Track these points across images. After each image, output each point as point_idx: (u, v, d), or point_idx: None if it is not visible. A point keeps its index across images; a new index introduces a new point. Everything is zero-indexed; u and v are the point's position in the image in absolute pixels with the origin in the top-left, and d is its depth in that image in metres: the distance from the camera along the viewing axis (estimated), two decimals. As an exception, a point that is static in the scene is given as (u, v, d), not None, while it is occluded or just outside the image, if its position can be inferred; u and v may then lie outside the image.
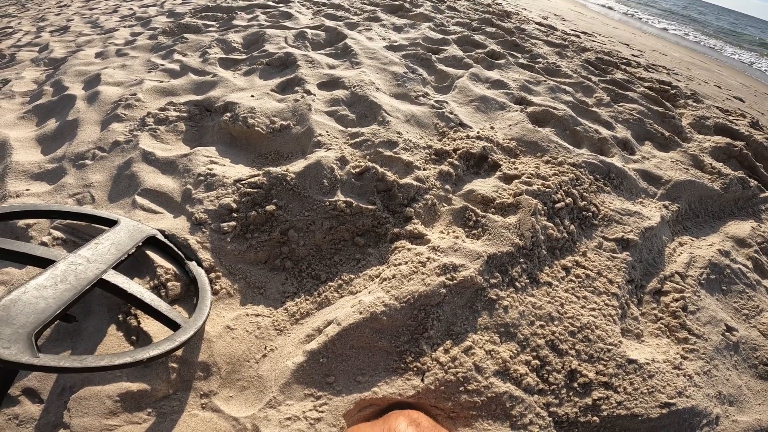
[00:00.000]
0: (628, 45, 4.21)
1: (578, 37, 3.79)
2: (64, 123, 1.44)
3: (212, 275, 0.88)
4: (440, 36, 2.33)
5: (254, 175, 1.05)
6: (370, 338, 0.77)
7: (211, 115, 1.40)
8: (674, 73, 3.32)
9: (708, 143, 1.81)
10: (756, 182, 1.68)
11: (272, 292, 0.92)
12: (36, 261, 0.72)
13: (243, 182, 1.03)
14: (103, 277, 0.70)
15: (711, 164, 1.61)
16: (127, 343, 0.76)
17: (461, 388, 0.75)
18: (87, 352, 0.74)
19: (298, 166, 1.07)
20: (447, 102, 1.48)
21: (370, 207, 1.00)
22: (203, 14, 2.91)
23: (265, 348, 0.79)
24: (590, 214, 1.15)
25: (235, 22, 2.56)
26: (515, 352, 0.83)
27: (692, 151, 1.68)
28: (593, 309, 0.97)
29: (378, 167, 1.06)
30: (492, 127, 1.40)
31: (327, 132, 1.21)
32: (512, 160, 1.25)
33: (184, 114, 1.40)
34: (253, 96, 1.45)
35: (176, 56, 2.00)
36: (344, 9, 2.83)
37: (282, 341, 0.80)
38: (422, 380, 0.75)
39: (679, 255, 1.24)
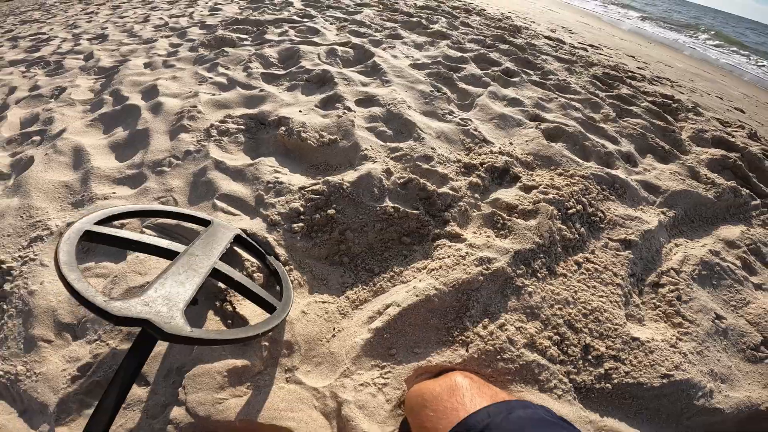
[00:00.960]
0: (633, 57, 4.45)
1: (585, 50, 4.03)
2: (135, 132, 1.65)
3: (286, 268, 1.09)
4: (458, 54, 2.57)
5: (315, 184, 1.27)
6: (424, 317, 0.97)
7: (266, 128, 1.62)
8: (678, 85, 3.54)
9: (705, 155, 2.03)
10: (748, 191, 1.89)
11: (333, 283, 1.12)
12: (162, 252, 0.88)
13: (307, 189, 1.25)
14: (215, 267, 0.87)
15: (706, 175, 1.83)
16: (224, 326, 0.95)
17: (498, 357, 0.94)
18: None
19: (351, 176, 1.28)
20: (470, 119, 1.71)
21: (414, 212, 1.22)
22: (234, 27, 3.15)
23: (334, 329, 0.99)
24: (598, 218, 1.37)
25: (266, 36, 2.79)
26: (539, 328, 1.03)
27: (690, 163, 1.90)
28: (602, 296, 1.18)
29: (419, 178, 1.28)
30: (511, 143, 1.63)
31: (371, 146, 1.43)
32: (530, 172, 1.47)
33: (242, 126, 1.62)
34: (300, 111, 1.67)
35: (221, 69, 2.23)
36: (366, 25, 3.07)
37: (347, 323, 1.00)
38: (467, 350, 0.94)
39: (675, 254, 1.45)
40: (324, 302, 1.06)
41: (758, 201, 1.88)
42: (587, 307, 1.12)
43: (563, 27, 5.48)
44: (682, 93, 3.22)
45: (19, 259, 1.11)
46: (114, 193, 1.37)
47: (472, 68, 2.34)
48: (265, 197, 1.26)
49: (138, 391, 0.84)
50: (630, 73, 3.32)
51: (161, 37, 3.18)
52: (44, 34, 4.02)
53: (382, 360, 0.92)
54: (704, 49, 9.78)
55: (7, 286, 1.04)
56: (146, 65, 2.49)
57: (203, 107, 1.75)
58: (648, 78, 3.35)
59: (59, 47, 3.30)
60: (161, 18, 4.02)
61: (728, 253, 1.56)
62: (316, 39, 2.62)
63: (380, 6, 4.11)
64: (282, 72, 2.11)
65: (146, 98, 1.97)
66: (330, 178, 1.28)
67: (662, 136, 2.09)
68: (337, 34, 2.78)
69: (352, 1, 4.26)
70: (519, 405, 0.65)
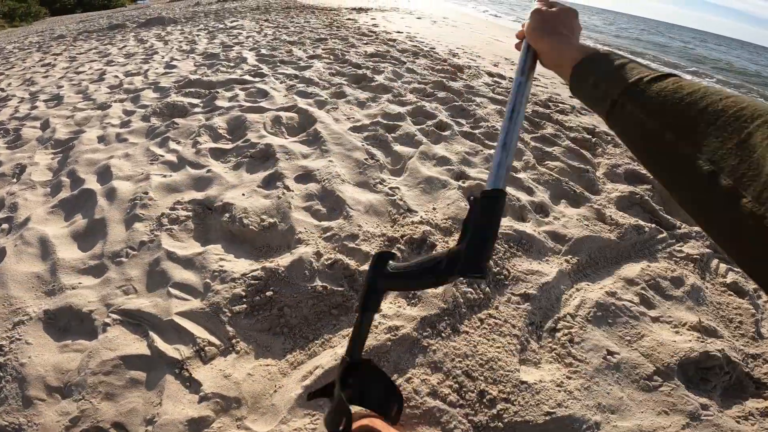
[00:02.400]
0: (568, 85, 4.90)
1: (524, 84, 4.44)
2: (93, 221, 1.84)
3: (233, 341, 1.31)
4: (397, 110, 2.87)
5: (255, 270, 1.49)
6: None
7: (213, 213, 1.84)
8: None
9: (615, 193, 2.35)
10: (655, 225, 2.20)
11: (276, 349, 1.34)
12: None
13: (247, 276, 1.47)
14: None
15: (611, 216, 2.13)
16: (184, 388, 1.19)
17: (405, 405, 1.16)
18: (157, 398, 1.16)
19: (286, 260, 1.52)
20: (399, 188, 1.98)
21: (339, 289, 1.46)
22: (187, 90, 3.38)
23: (275, 386, 1.21)
24: (502, 276, 1.63)
25: (217, 102, 3.04)
26: (441, 379, 1.25)
27: (599, 204, 2.20)
28: (498, 347, 1.40)
29: (344, 258, 1.52)
30: (434, 208, 1.90)
31: (305, 228, 1.67)
32: (446, 238, 1.73)
33: (190, 213, 1.83)
34: (243, 194, 1.91)
35: (171, 144, 2.44)
36: (314, 83, 3.37)
37: (286, 381, 1.23)
38: None
39: (573, 299, 1.70)
40: (268, 365, 1.28)
41: (665, 233, 2.16)
42: (484, 358, 1.34)
43: (506, 58, 5.96)
44: (608, 124, 3.62)
45: (7, 338, 1.35)
46: (80, 283, 1.56)
47: (407, 126, 2.64)
48: (212, 285, 1.47)
49: None
50: (560, 106, 3.72)
51: (115, 101, 3.38)
52: (2, 90, 4.14)
53: (312, 410, 1.15)
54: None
55: (1, 359, 1.28)
56: (100, 139, 2.68)
57: (154, 193, 1.95)
58: (577, 108, 3.75)
59: (17, 110, 3.45)
60: (116, 76, 4.22)
61: (627, 291, 1.79)
62: (264, 103, 2.88)
63: (331, 57, 4.44)
64: (229, 146, 2.35)
65: (101, 180, 2.16)
66: (267, 264, 1.51)
67: (577, 179, 2.42)
68: (285, 96, 3.05)
69: (305, 53, 4.59)
70: None
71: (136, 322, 1.37)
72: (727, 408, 1.39)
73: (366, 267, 1.54)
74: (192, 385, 1.19)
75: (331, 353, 1.28)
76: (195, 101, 3.09)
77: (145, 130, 2.71)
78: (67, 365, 1.25)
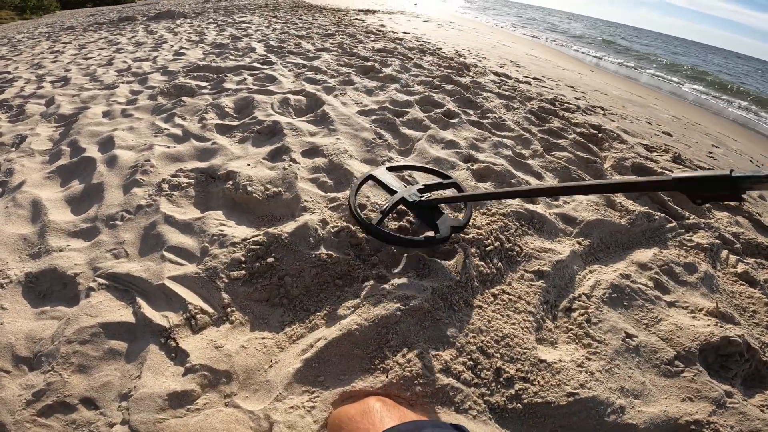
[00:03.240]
0: (572, 87, 4.88)
1: (529, 84, 4.40)
2: (90, 186, 1.76)
3: (228, 310, 1.22)
4: (405, 98, 2.81)
5: (256, 235, 1.40)
6: (348, 348, 1.10)
7: (215, 181, 1.76)
8: (610, 113, 3.91)
9: (623, 184, 2.28)
10: (664, 214, 2.13)
11: (274, 322, 1.24)
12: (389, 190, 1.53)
13: (248, 240, 1.38)
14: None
15: (621, 203, 2.06)
16: (169, 360, 1.07)
17: (415, 382, 1.06)
18: (136, 370, 1.05)
19: (289, 227, 1.43)
20: (407, 165, 1.91)
21: (345, 257, 1.37)
22: (195, 74, 3.31)
23: (271, 361, 1.11)
24: (515, 253, 1.55)
25: (225, 85, 2.97)
26: (454, 355, 1.15)
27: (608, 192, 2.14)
28: (514, 323, 1.31)
29: (351, 226, 1.44)
30: (443, 186, 1.82)
31: (311, 198, 1.59)
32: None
33: (192, 180, 1.75)
34: (249, 165, 1.82)
35: (177, 120, 2.36)
36: (322, 72, 3.30)
37: (283, 356, 1.12)
38: (387, 376, 1.06)
39: (587, 280, 1.63)
40: (264, 338, 1.19)
41: (674, 223, 2.11)
42: (499, 334, 1.25)
43: (512, 61, 5.94)
44: (613, 121, 3.57)
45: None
46: (68, 245, 1.47)
47: (415, 112, 2.57)
48: (210, 249, 1.38)
49: (87, 414, 0.96)
50: (566, 105, 3.66)
51: (122, 83, 3.31)
52: (9, 73, 4.06)
53: (311, 386, 1.04)
54: (641, 72, 10.66)
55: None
56: (105, 114, 2.60)
57: (156, 161, 1.87)
58: (582, 108, 3.70)
59: (22, 89, 3.37)
60: (125, 62, 4.15)
61: (640, 275, 1.74)
62: (272, 87, 2.81)
63: (339, 51, 4.39)
64: (236, 123, 2.27)
65: (102, 150, 2.07)
66: (270, 230, 1.42)
67: (585, 168, 2.35)
68: (293, 82, 2.98)
69: (313, 46, 4.54)
70: (428, 424, 0.69)
71: (124, 287, 1.27)
72: (750, 397, 1.32)
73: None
74: (178, 355, 1.09)
75: (333, 326, 1.18)
76: (203, 83, 3.02)
77: (151, 107, 2.63)
78: (41, 333, 1.14)
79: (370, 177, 1.60)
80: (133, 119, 2.45)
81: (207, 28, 6.07)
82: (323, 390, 1.04)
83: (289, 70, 3.29)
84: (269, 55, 3.92)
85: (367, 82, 3.12)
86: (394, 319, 1.17)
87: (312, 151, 1.95)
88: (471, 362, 1.16)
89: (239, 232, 1.44)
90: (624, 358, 1.30)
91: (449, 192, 1.73)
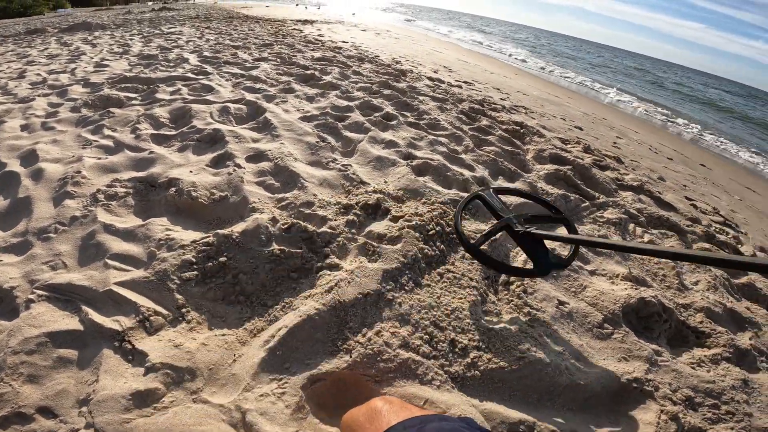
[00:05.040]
0: (499, 89, 5.33)
1: (460, 87, 4.73)
2: (16, 201, 1.65)
3: (183, 311, 1.22)
4: (345, 103, 2.92)
5: (206, 237, 1.42)
6: (309, 333, 1.17)
7: (156, 189, 1.73)
8: (531, 111, 4.33)
9: (543, 171, 2.57)
10: (578, 196, 2.43)
11: (232, 318, 1.27)
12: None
13: (198, 242, 1.39)
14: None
15: (542, 187, 2.33)
16: (126, 362, 1.06)
17: (378, 359, 1.13)
18: (92, 376, 1.03)
19: (240, 227, 1.46)
20: (351, 165, 2.01)
21: (298, 251, 1.43)
22: (122, 86, 3.15)
23: (234, 355, 1.14)
24: (455, 236, 1.71)
25: (158, 95, 2.87)
26: (411, 331, 1.24)
27: (531, 179, 2.40)
28: (461, 298, 1.42)
29: (301, 222, 1.50)
30: (386, 182, 1.95)
31: (259, 199, 1.63)
32: (399, 205, 1.78)
33: (130, 190, 1.71)
34: (191, 171, 1.81)
35: (107, 131, 2.26)
36: (261, 81, 3.31)
37: (246, 349, 1.16)
38: (350, 356, 1.13)
39: (520, 255, 1.80)
40: (224, 335, 1.20)
41: (587, 203, 2.41)
42: (449, 308, 1.36)
43: (445, 66, 6.32)
44: (533, 118, 3.97)
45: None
46: (1, 260, 1.38)
47: (356, 116, 2.69)
48: (158, 253, 1.37)
49: (47, 423, 0.93)
50: (493, 105, 4.00)
51: (39, 95, 3.07)
52: None
53: (278, 374, 1.08)
54: (559, 76, 11.84)
55: None
56: (23, 127, 2.42)
57: (88, 172, 1.79)
58: (507, 108, 4.07)
59: None
60: (39, 74, 3.84)
61: (564, 249, 1.96)
62: (209, 97, 2.77)
63: (278, 60, 4.40)
64: (173, 132, 2.23)
65: (25, 164, 1.94)
66: (220, 231, 1.44)
67: (511, 160, 2.61)
68: (232, 91, 2.96)
69: (250, 56, 4.50)
70: (435, 418, 0.69)
71: (66, 297, 1.23)
72: (678, 355, 1.47)
73: (325, 229, 1.52)
74: (136, 357, 1.09)
75: (292, 314, 1.23)
76: (132, 95, 2.89)
77: (74, 119, 2.48)
78: (-18, 347, 1.08)
79: (478, 197, 1.57)
80: (55, 132, 2.30)
81: (131, 39, 5.74)
82: (291, 376, 1.08)
83: (227, 80, 3.26)
84: (204, 65, 3.83)
85: (308, 90, 3.19)
86: (350, 302, 1.25)
87: (257, 156, 1.98)
88: (427, 336, 1.25)
89: (187, 235, 1.45)
90: (561, 323, 1.42)
91: (562, 231, 1.75)
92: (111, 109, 2.55)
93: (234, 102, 2.66)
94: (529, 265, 1.52)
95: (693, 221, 2.66)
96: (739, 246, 2.56)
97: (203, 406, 1.00)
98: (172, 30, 6.60)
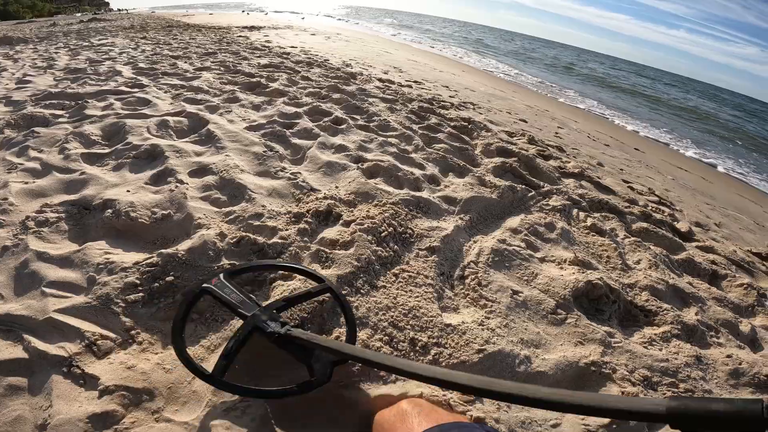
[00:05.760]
0: (447, 87, 5.51)
1: (410, 87, 4.84)
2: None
3: (133, 333, 1.18)
4: (293, 110, 2.91)
5: (149, 257, 1.37)
6: (267, 344, 1.14)
7: (91, 212, 1.64)
8: (478, 107, 4.52)
9: (491, 164, 2.70)
10: (524, 186, 2.57)
11: (187, 337, 1.22)
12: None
13: (140, 264, 1.35)
14: None
15: (490, 180, 2.44)
16: (78, 387, 1.03)
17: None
18: (46, 401, 0.98)
19: (185, 245, 1.43)
20: (300, 172, 2.01)
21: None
22: (47, 102, 2.95)
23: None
24: (408, 235, 1.75)
25: (87, 111, 2.71)
26: (370, 334, 1.27)
27: (479, 173, 2.51)
28: (417, 297, 1.46)
29: (250, 235, 1.49)
30: (336, 187, 1.97)
31: (204, 215, 1.60)
32: (351, 209, 1.81)
33: (63, 215, 1.61)
34: (128, 191, 1.74)
35: (32, 153, 2.11)
36: (204, 91, 3.21)
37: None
38: None
39: (473, 249, 1.88)
40: None
41: (533, 192, 2.55)
42: (406, 308, 1.38)
43: (395, 67, 6.44)
44: (481, 113, 4.15)
45: None
46: None
47: (305, 122, 2.69)
48: (98, 278, 1.31)
49: None
50: (442, 103, 4.14)
51: (-51, 121, 2.78)
52: None
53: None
54: (506, 72, 12.42)
55: None
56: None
57: (15, 198, 1.68)
58: (456, 105, 4.22)
59: None
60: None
61: (514, 239, 2.05)
62: (146, 110, 2.66)
63: (222, 69, 4.29)
64: (106, 150, 2.12)
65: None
66: (164, 251, 1.40)
67: (460, 155, 2.72)
68: (171, 103, 2.86)
69: (191, 66, 4.34)
70: (454, 426, 0.72)
71: (6, 327, 1.17)
72: (630, 335, 1.53)
73: (275, 240, 1.52)
74: (87, 381, 1.05)
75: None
76: (58, 112, 2.71)
77: (-6, 144, 2.28)
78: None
79: (204, 292, 1.18)
80: (-28, 159, 2.10)
81: (56, 53, 5.36)
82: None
83: (165, 92, 3.13)
84: (139, 77, 3.66)
85: (254, 98, 3.14)
86: (305, 310, 1.26)
87: (200, 171, 1.93)
88: (387, 337, 1.27)
89: (129, 257, 1.39)
90: (516, 313, 1.47)
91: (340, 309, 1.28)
92: (36, 129, 2.38)
93: (174, 115, 2.57)
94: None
95: (631, 202, 2.89)
96: (675, 223, 2.81)
97: (167, 425, 0.99)
98: (104, 42, 6.23)
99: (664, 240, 2.47)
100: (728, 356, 1.54)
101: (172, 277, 1.32)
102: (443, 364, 1.21)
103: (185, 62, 4.57)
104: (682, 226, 2.81)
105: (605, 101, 11.40)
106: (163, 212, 1.60)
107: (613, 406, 0.50)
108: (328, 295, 1.29)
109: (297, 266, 1.37)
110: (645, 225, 2.56)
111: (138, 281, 1.29)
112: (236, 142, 2.24)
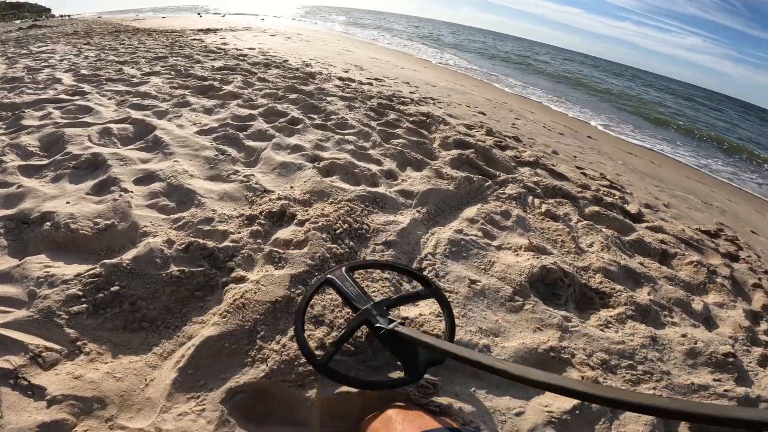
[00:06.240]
0: (408, 83, 5.59)
1: (370, 84, 4.88)
2: None
3: (79, 344, 1.16)
4: (248, 112, 2.88)
5: (92, 269, 1.34)
6: (219, 348, 1.16)
7: (30, 227, 1.58)
8: (438, 102, 4.62)
9: (449, 156, 2.77)
10: (481, 176, 2.65)
11: (137, 345, 1.22)
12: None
13: (82, 275, 1.32)
14: None
15: (447, 172, 2.51)
16: (27, 397, 1.02)
17: (296, 363, 1.15)
18: None
19: (130, 254, 1.40)
20: (254, 174, 2.00)
21: (199, 269, 1.40)
22: (-22, 117, 2.77)
23: (146, 380, 1.11)
24: (364, 230, 1.78)
25: (24, 122, 2.58)
26: (327, 331, 1.27)
27: (436, 166, 2.57)
28: (373, 291, 1.47)
29: (200, 240, 1.48)
30: (292, 187, 1.97)
31: (151, 222, 1.57)
32: (306, 208, 1.82)
33: (0, 230, 1.54)
34: (68, 202, 1.68)
35: (-38, 171, 1.98)
36: (151, 96, 3.12)
37: (158, 373, 1.13)
38: (267, 365, 1.15)
39: (430, 241, 1.92)
40: (131, 362, 1.16)
41: (489, 182, 2.63)
42: None
43: (356, 65, 6.46)
44: (440, 108, 4.24)
45: None
46: None
47: (259, 124, 2.66)
48: (38, 291, 1.28)
49: None
50: (402, 99, 4.20)
51: None
52: None
53: (195, 392, 1.07)
54: (466, 68, 12.72)
55: None
56: None
57: (-58, 220, 1.57)
58: (416, 100, 4.30)
59: None
60: None
61: (471, 228, 2.10)
62: (87, 119, 2.56)
63: (172, 73, 4.17)
64: (45, 162, 2.03)
65: None
66: (107, 261, 1.37)
67: (417, 149, 2.78)
68: (115, 110, 2.76)
69: (139, 71, 4.19)
70: (444, 431, 0.72)
71: None
72: (586, 319, 1.56)
73: (227, 244, 1.51)
74: (35, 392, 1.04)
75: (203, 331, 1.21)
76: (-8, 125, 2.55)
77: None
78: None
79: (327, 282, 1.26)
80: None
81: (-11, 61, 5.02)
82: (208, 392, 1.08)
83: (109, 99, 3.02)
84: (81, 84, 3.50)
85: (206, 102, 3.08)
86: (259, 311, 1.26)
87: (146, 178, 1.89)
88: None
89: (70, 269, 1.36)
90: (474, 302, 1.48)
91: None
92: (-36, 145, 2.24)
93: (118, 122, 2.48)
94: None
95: (583, 187, 3.04)
96: (626, 205, 2.98)
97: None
98: (44, 49, 5.89)
99: (615, 222, 2.62)
100: (683, 335, 1.61)
101: (118, 287, 1.30)
102: (402, 358, 1.24)
103: (132, 67, 4.40)
104: (632, 208, 2.98)
105: (558, 92, 11.94)
106: (106, 222, 1.56)
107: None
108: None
109: (409, 269, 1.45)
110: (597, 208, 2.70)
111: (81, 293, 1.26)
112: (186, 147, 2.20)
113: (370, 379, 1.13)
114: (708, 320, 1.86)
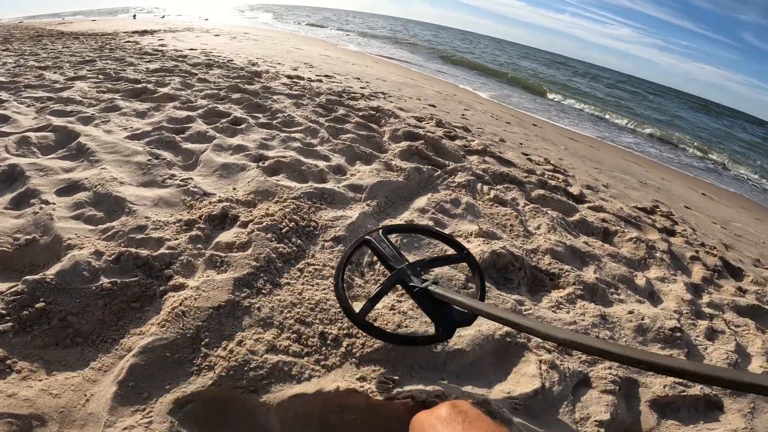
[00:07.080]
0: (359, 79, 5.60)
1: (320, 81, 4.84)
2: None
3: (9, 362, 1.09)
4: (186, 114, 2.77)
5: (13, 286, 1.25)
6: (161, 357, 1.12)
7: (-65, 251, 1.43)
8: (389, 96, 4.68)
9: (398, 149, 2.82)
10: (431, 166, 2.71)
11: (73, 361, 1.16)
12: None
13: (4, 294, 1.23)
14: None
15: (396, 164, 2.55)
16: None
17: (246, 368, 1.13)
18: None
19: (54, 269, 1.32)
20: (192, 178, 1.94)
21: (133, 279, 1.34)
22: None
23: (86, 395, 1.06)
24: (311, 228, 1.78)
25: (-75, 138, 2.33)
26: (276, 333, 1.26)
27: (386, 159, 2.61)
28: (324, 289, 1.46)
29: (132, 249, 1.41)
30: (234, 188, 1.93)
31: (76, 234, 1.48)
32: (249, 209, 1.78)
33: None
34: (-18, 220, 1.54)
35: None
36: (75, 102, 2.92)
37: (98, 387, 1.08)
38: (215, 372, 1.12)
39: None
40: (67, 378, 1.10)
41: (439, 171, 2.69)
42: (312, 302, 1.38)
43: (306, 63, 6.38)
44: (391, 102, 4.30)
45: None
46: None
47: (198, 125, 2.57)
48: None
49: None
50: (352, 94, 4.21)
51: None
52: None
53: (139, 404, 1.03)
54: (421, 64, 12.96)
55: None
56: None
57: None
58: (366, 95, 4.32)
59: None
60: None
61: (422, 218, 2.15)
62: (3, 128, 2.36)
63: (101, 77, 3.92)
64: (-47, 179, 1.85)
65: None
66: (29, 277, 1.28)
67: (367, 143, 2.81)
68: (34, 118, 2.56)
69: (62, 77, 3.91)
70: None
71: None
72: (539, 301, 1.61)
73: (162, 251, 1.45)
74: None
75: (140, 342, 1.16)
76: None
77: None
78: None
79: (365, 243, 1.33)
80: None
81: None
82: (154, 403, 1.04)
83: (28, 106, 2.79)
84: (-5, 93, 3.21)
85: (138, 105, 2.92)
86: (201, 317, 1.23)
87: (70, 188, 1.77)
88: (295, 335, 1.26)
89: (-13, 292, 1.24)
90: None
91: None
92: None
93: (37, 130, 2.31)
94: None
95: (529, 172, 3.20)
96: (569, 187, 3.17)
97: (66, 447, 0.94)
98: (-51, 56, 5.32)
99: (560, 204, 2.78)
100: (630, 312, 1.69)
101: (44, 303, 1.22)
102: (357, 354, 1.22)
103: (55, 72, 4.09)
104: (575, 189, 3.17)
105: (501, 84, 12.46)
106: (27, 237, 1.45)
107: None
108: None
109: (443, 234, 1.52)
110: (542, 192, 2.86)
111: (4, 311, 1.18)
112: (115, 153, 2.08)
113: (405, 335, 1.26)
114: (652, 295, 1.98)
